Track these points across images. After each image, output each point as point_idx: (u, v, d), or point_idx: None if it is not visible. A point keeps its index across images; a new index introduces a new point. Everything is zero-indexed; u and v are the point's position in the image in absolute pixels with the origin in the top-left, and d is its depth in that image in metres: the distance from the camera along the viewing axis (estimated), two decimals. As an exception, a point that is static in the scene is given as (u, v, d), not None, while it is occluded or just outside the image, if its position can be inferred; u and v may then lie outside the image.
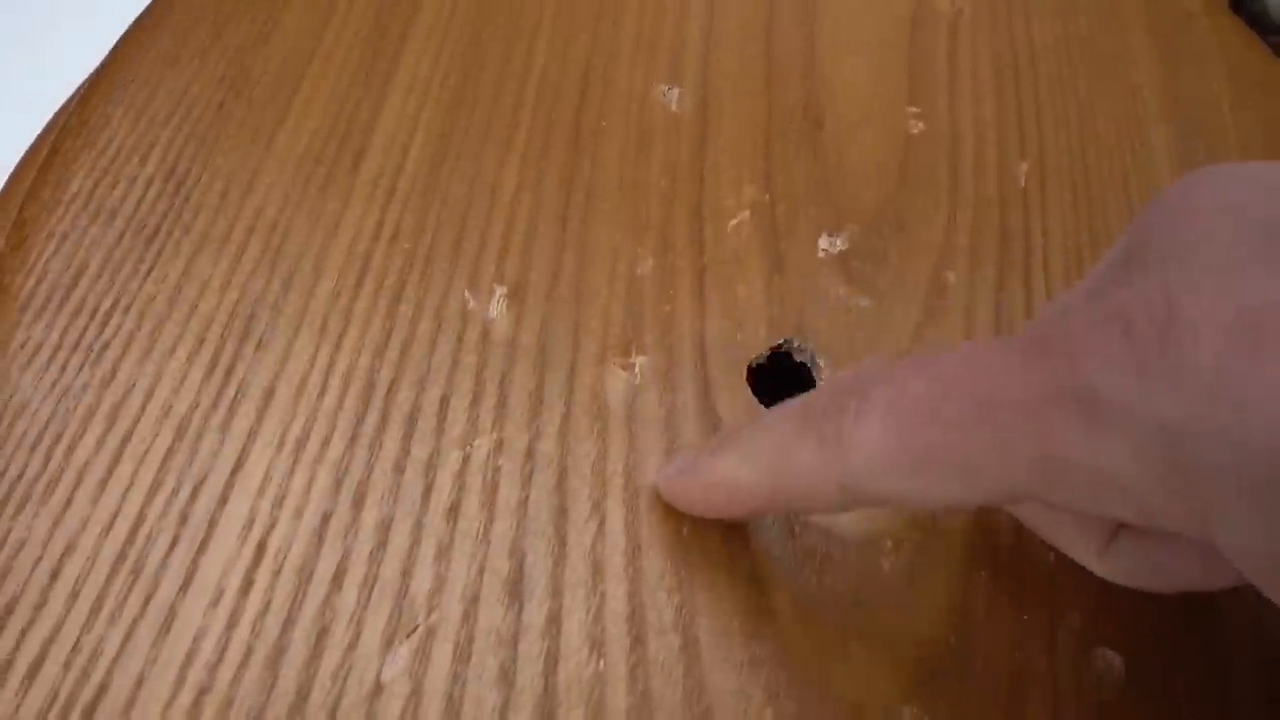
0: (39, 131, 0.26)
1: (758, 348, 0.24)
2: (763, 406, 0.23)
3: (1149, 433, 0.12)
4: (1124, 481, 0.13)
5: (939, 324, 0.25)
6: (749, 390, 0.23)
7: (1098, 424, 0.13)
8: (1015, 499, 0.15)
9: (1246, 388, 0.11)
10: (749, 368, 0.23)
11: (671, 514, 0.21)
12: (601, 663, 0.19)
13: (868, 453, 0.15)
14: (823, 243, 0.25)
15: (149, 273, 0.23)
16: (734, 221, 0.25)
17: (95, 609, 0.19)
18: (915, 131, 0.28)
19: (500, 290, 0.23)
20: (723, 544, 0.21)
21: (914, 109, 0.28)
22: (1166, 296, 0.12)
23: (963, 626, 0.21)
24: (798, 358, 0.24)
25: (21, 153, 0.26)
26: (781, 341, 0.24)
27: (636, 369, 0.23)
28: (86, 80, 0.26)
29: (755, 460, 0.18)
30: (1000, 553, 0.21)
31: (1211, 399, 0.11)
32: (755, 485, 0.18)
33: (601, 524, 0.21)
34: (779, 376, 0.24)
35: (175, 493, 0.20)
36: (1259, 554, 0.12)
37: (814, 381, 0.24)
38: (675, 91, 0.27)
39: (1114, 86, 0.30)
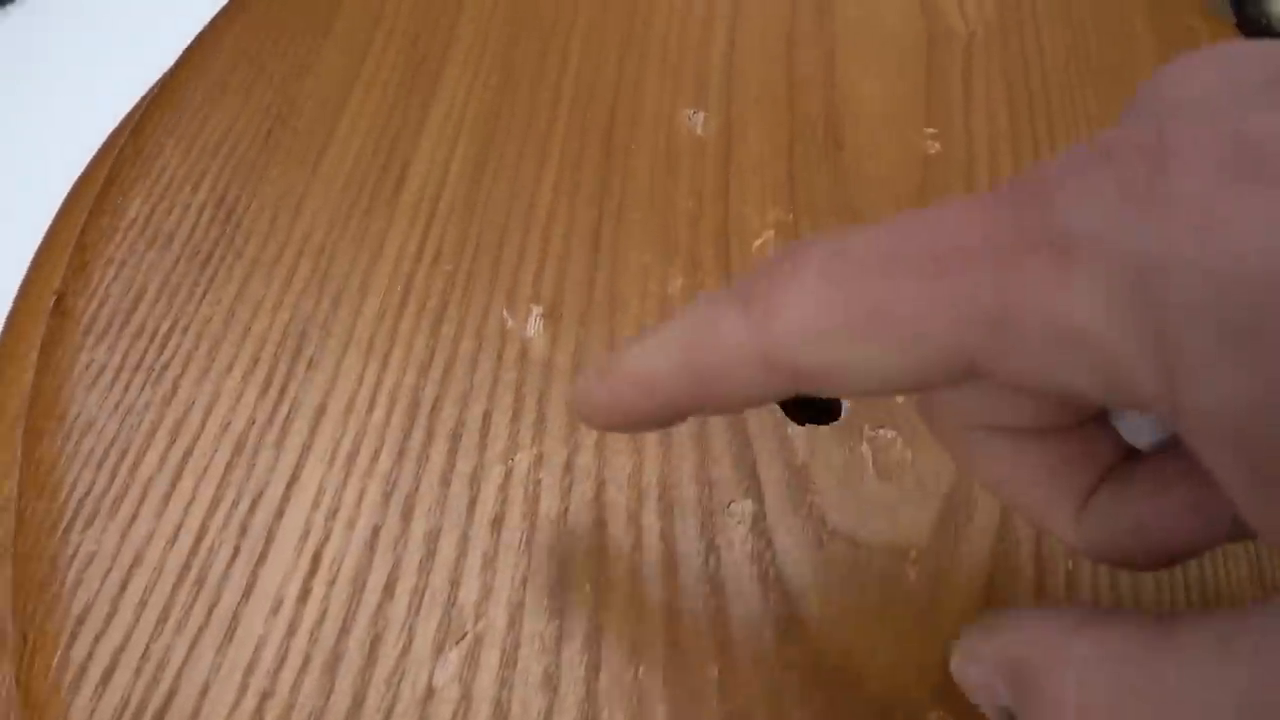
0: (88, 160, 0.27)
1: (784, 363, 0.25)
2: (791, 422, 0.24)
3: (1124, 269, 0.11)
4: (1089, 334, 0.11)
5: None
6: (778, 406, 0.24)
7: (1067, 264, 0.11)
8: (962, 371, 0.13)
9: (1240, 213, 0.10)
10: (776, 383, 0.24)
11: (706, 526, 0.22)
12: (640, 669, 0.20)
13: (799, 314, 0.13)
14: (845, 261, 0.26)
15: (204, 295, 0.24)
16: (759, 241, 0.26)
17: (162, 618, 0.20)
18: (932, 152, 0.29)
19: (537, 310, 0.24)
20: (753, 551, 0.22)
21: (931, 129, 0.29)
22: (1158, 129, 0.11)
23: (985, 631, 0.21)
24: (822, 372, 0.25)
25: (72, 181, 0.27)
26: (807, 357, 0.25)
27: (669, 385, 0.24)
28: (136, 109, 0.27)
29: (669, 342, 0.15)
30: (1021, 560, 0.22)
31: (1197, 227, 0.10)
32: (668, 370, 0.15)
33: (638, 535, 0.22)
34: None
35: (235, 506, 0.21)
36: (1229, 416, 0.10)
37: (838, 400, 0.24)
38: (700, 115, 0.28)
39: (1121, 96, 0.31)
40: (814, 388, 0.13)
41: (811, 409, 0.24)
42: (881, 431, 0.24)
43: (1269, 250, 0.10)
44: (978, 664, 0.15)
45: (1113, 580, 0.22)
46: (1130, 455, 0.16)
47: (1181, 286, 0.10)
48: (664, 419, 0.16)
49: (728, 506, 0.22)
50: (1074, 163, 0.12)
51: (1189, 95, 0.12)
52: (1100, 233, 0.11)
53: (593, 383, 0.16)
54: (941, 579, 0.22)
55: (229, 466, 0.22)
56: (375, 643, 0.20)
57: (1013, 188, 0.12)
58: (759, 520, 0.22)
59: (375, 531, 0.21)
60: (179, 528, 0.21)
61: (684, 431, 0.23)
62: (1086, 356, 0.11)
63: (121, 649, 0.19)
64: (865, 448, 0.24)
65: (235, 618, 0.20)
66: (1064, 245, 0.11)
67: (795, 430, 0.24)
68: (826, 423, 0.24)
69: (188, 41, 0.28)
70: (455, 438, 0.22)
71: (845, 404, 0.24)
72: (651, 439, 0.23)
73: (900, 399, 0.24)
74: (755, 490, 0.23)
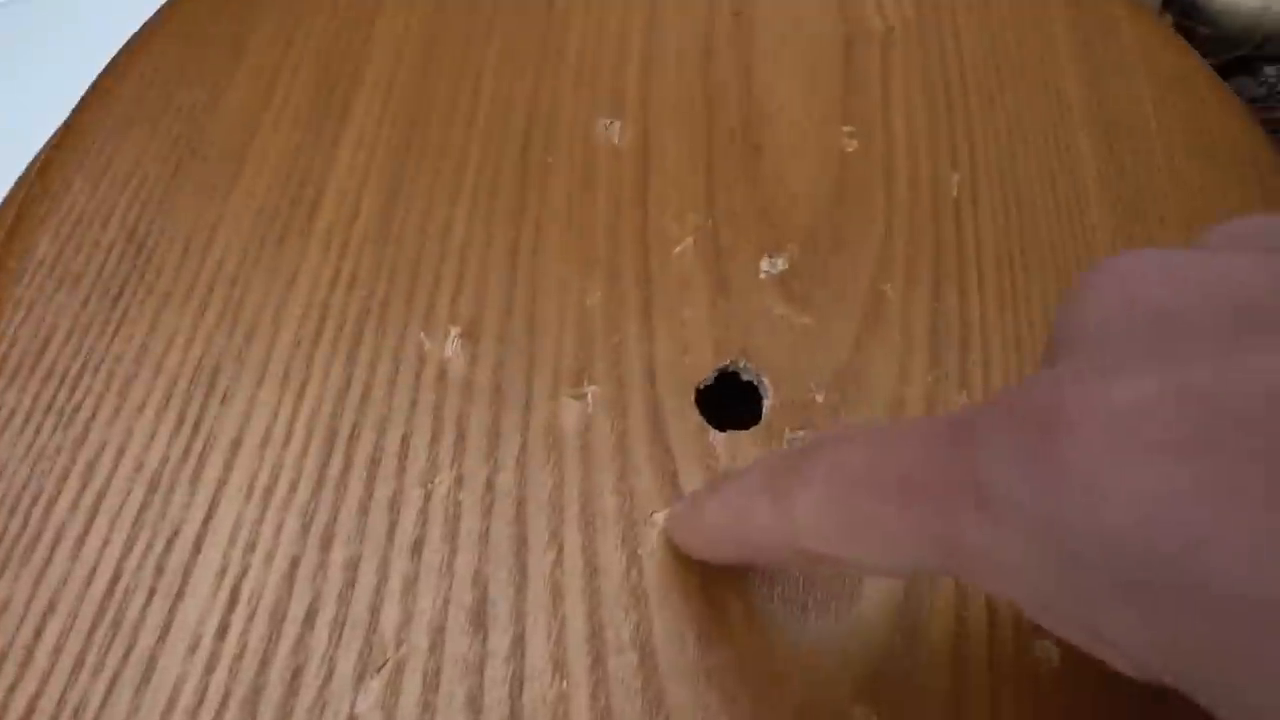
0: (1, 200, 0.27)
1: (705, 370, 0.25)
2: (711, 428, 0.24)
3: (1035, 527, 0.12)
4: (1021, 573, 0.13)
5: (877, 337, 0.26)
6: (698, 413, 0.24)
7: (990, 515, 0.13)
8: (935, 571, 0.15)
9: (1112, 486, 0.11)
10: (697, 390, 0.24)
11: (628, 538, 0.22)
12: (565, 683, 0.20)
13: (809, 517, 0.16)
14: (764, 264, 0.27)
15: (115, 333, 0.23)
16: (678, 249, 0.26)
17: (78, 664, 0.20)
18: (850, 150, 0.29)
19: (455, 330, 0.24)
20: (676, 561, 0.22)
21: (848, 128, 0.30)
22: (1054, 390, 0.12)
23: (908, 626, 0.22)
24: (745, 378, 0.25)
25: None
26: (728, 363, 0.25)
27: (589, 398, 0.24)
28: (45, 147, 0.27)
29: (726, 511, 0.19)
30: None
31: (1084, 495, 0.12)
32: (725, 538, 0.19)
33: (560, 550, 0.22)
34: (728, 397, 0.25)
35: (150, 546, 0.21)
36: (1140, 650, 0.12)
37: (761, 401, 0.25)
38: (617, 124, 0.28)
39: (1041, 94, 0.31)
40: (828, 568, 0.17)
41: (732, 413, 0.24)
42: (802, 434, 0.24)
43: (1141, 521, 0.11)
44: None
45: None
46: None
47: (1081, 548, 0.12)
48: (726, 563, 0.21)
49: (650, 517, 0.22)
50: (993, 424, 0.13)
51: (1090, 330, 0.14)
52: (1011, 494, 0.12)
53: (680, 523, 0.22)
54: (864, 578, 0.22)
55: (143, 506, 0.21)
56: (296, 675, 0.20)
57: (951, 429, 0.14)
58: (681, 529, 0.22)
59: (294, 563, 0.21)
60: (94, 571, 0.21)
61: (604, 444, 0.23)
62: (1023, 588, 0.13)
63: (38, 696, 0.19)
64: (786, 449, 0.24)
65: (153, 659, 0.20)
66: (986, 496, 0.13)
67: (716, 436, 0.24)
68: (748, 427, 0.24)
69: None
70: (374, 464, 0.22)
71: (765, 405, 0.24)
72: (572, 453, 0.23)
73: (819, 398, 0.25)
74: (677, 498, 0.23)
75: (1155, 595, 0.11)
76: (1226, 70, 0.45)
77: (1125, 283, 0.14)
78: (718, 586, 0.22)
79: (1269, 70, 0.45)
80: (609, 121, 0.29)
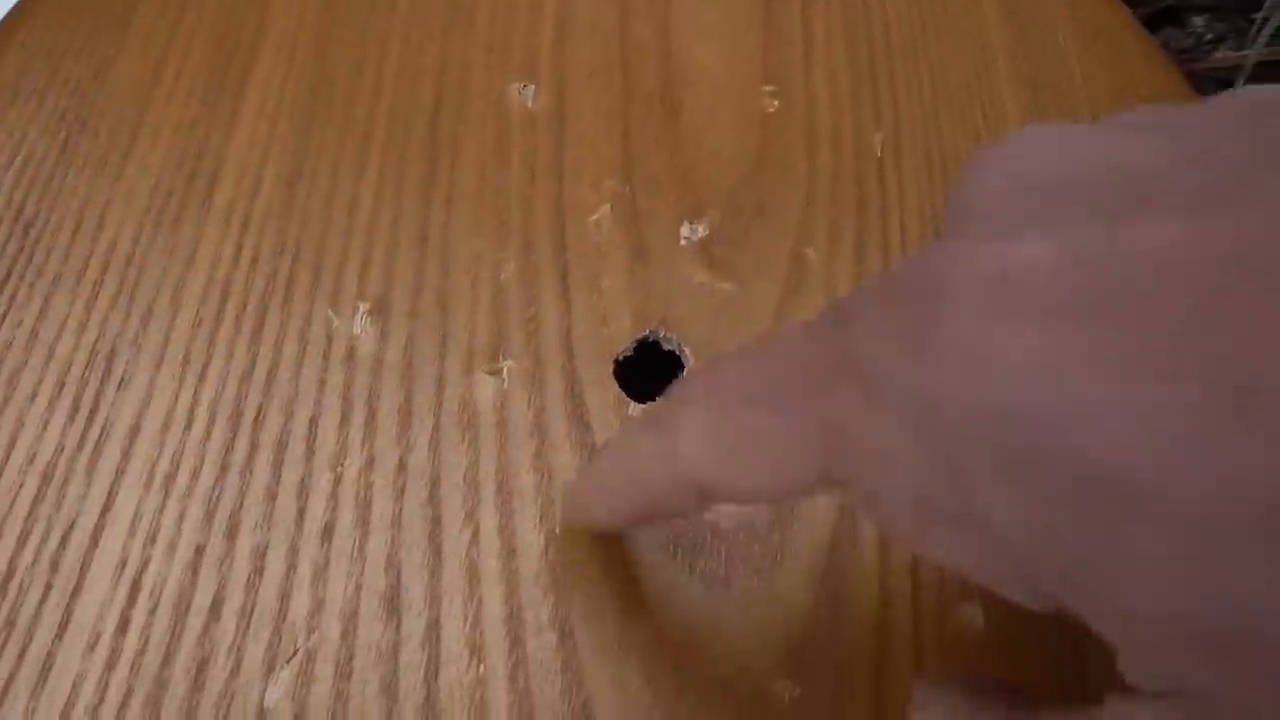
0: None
1: (624, 341, 0.24)
2: (632, 400, 0.23)
3: (912, 405, 0.12)
4: (898, 458, 0.12)
5: (800, 301, 0.25)
6: (616, 384, 0.24)
7: (869, 395, 0.12)
8: (822, 483, 0.14)
9: (993, 355, 0.11)
10: (616, 361, 0.24)
11: (546, 516, 0.22)
12: (481, 666, 0.20)
13: (692, 444, 0.15)
14: (684, 230, 0.26)
15: (3, 319, 0.22)
16: (594, 216, 0.26)
17: (-30, 665, 0.19)
18: (771, 110, 0.28)
19: (363, 307, 0.24)
20: (596, 538, 0.22)
21: (769, 87, 0.29)
22: (935, 260, 0.12)
23: (830, 596, 0.22)
24: (666, 347, 0.25)
25: None
26: (647, 333, 0.24)
27: (504, 374, 0.23)
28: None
29: (613, 463, 0.18)
30: (860, 521, 0.22)
31: (964, 368, 0.11)
32: (617, 493, 0.18)
33: (476, 531, 0.21)
34: (649, 367, 0.25)
35: (45, 540, 0.20)
36: (1019, 544, 0.11)
37: (683, 369, 0.24)
38: (531, 89, 0.28)
39: (965, 47, 0.31)
40: (718, 500, 0.15)
41: (650, 385, 0.24)
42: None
43: (1023, 391, 0.10)
44: None
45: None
46: None
47: (960, 424, 0.11)
48: (621, 525, 0.20)
49: (567, 493, 0.22)
50: (869, 299, 0.13)
51: (982, 204, 0.13)
52: (889, 371, 0.12)
53: (571, 492, 0.21)
54: (787, 548, 0.22)
55: (37, 499, 0.21)
56: (202, 668, 0.19)
57: (822, 319, 0.13)
58: (600, 504, 0.22)
59: (198, 552, 0.20)
60: (-16, 569, 0.20)
61: (521, 420, 0.23)
62: (901, 478, 0.12)
63: (-73, 702, 0.19)
64: (708, 420, 0.23)
65: (50, 657, 0.19)
66: (863, 375, 0.12)
67: (636, 409, 0.23)
68: (668, 398, 0.24)
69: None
70: (280, 447, 0.22)
71: (688, 367, 0.24)
72: (488, 431, 0.22)
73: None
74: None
75: (1036, 471, 0.11)
76: (1154, 21, 0.45)
77: (1019, 156, 0.13)
78: (639, 563, 0.21)
79: (1196, 21, 0.45)
80: (522, 86, 0.28)
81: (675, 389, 0.16)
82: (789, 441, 0.14)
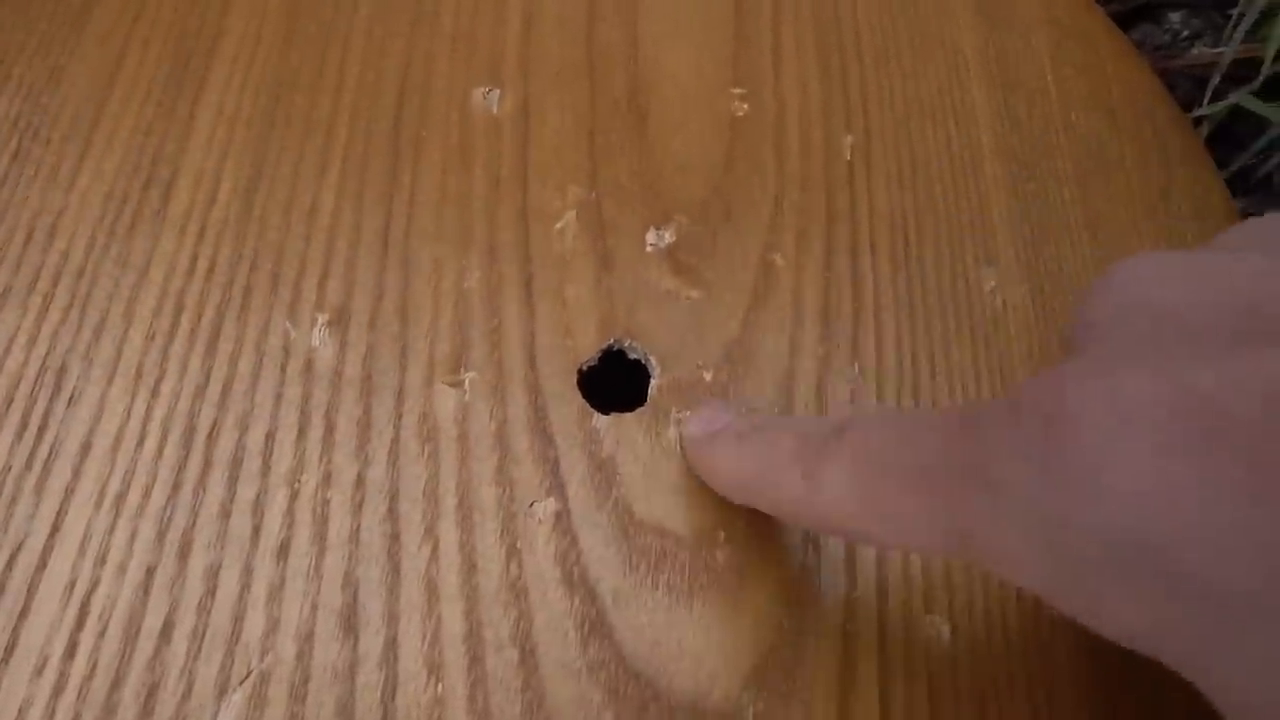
0: None
1: (588, 351, 0.24)
2: (595, 412, 0.23)
3: (1036, 520, 0.13)
4: (1024, 566, 0.13)
5: (767, 310, 0.25)
6: (580, 396, 0.23)
7: (997, 506, 0.13)
8: (956, 559, 0.17)
9: (1109, 481, 0.12)
10: (580, 372, 0.24)
11: (507, 531, 0.21)
12: (440, 685, 0.20)
13: (834, 495, 0.17)
14: (650, 237, 0.26)
15: (-50, 334, 0.22)
16: (559, 224, 0.25)
17: (-88, 692, 0.18)
18: (740, 114, 0.28)
19: (322, 318, 0.23)
20: (557, 552, 0.21)
21: (738, 90, 0.29)
22: (1059, 387, 0.13)
23: (795, 608, 0.21)
24: (632, 356, 0.24)
25: None
26: (612, 342, 0.24)
27: (465, 386, 0.23)
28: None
29: (751, 467, 0.20)
30: (829, 537, 0.22)
31: (1083, 490, 0.12)
32: (748, 492, 0.20)
33: (435, 546, 0.21)
34: (614, 377, 0.24)
35: (-9, 562, 0.20)
36: (1135, 633, 0.13)
37: (649, 379, 0.24)
38: (495, 93, 0.27)
39: (936, 50, 0.31)
40: (849, 540, 0.19)
41: (615, 396, 0.24)
42: (689, 413, 0.23)
43: (1136, 515, 0.12)
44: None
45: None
46: None
47: (1080, 542, 0.12)
48: (740, 502, 0.21)
49: (529, 508, 0.22)
50: (998, 414, 0.14)
51: (1099, 331, 0.14)
52: (1015, 487, 0.13)
53: (705, 452, 0.21)
54: (750, 561, 0.22)
55: (-17, 519, 0.20)
56: (152, 692, 0.19)
57: (962, 423, 0.15)
58: (562, 519, 0.22)
59: (149, 573, 0.20)
60: (-72, 592, 0.19)
61: (483, 433, 0.22)
62: (1029, 575, 0.14)
63: None
64: (673, 431, 0.23)
65: (-5, 683, 0.19)
66: (993, 488, 0.13)
67: (600, 421, 0.23)
68: (633, 409, 0.23)
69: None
70: (235, 463, 0.21)
71: (652, 385, 0.24)
72: (448, 444, 0.22)
73: (708, 376, 0.24)
74: (558, 488, 0.22)
75: (1147, 584, 0.12)
76: (1131, 17, 0.44)
77: (1137, 283, 0.14)
78: (601, 578, 0.21)
79: (1173, 17, 0.45)
80: (487, 90, 0.27)
81: (827, 437, 0.18)
82: (923, 521, 0.15)
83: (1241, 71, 0.39)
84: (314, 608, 0.20)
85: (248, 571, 0.20)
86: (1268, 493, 0.11)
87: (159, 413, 0.22)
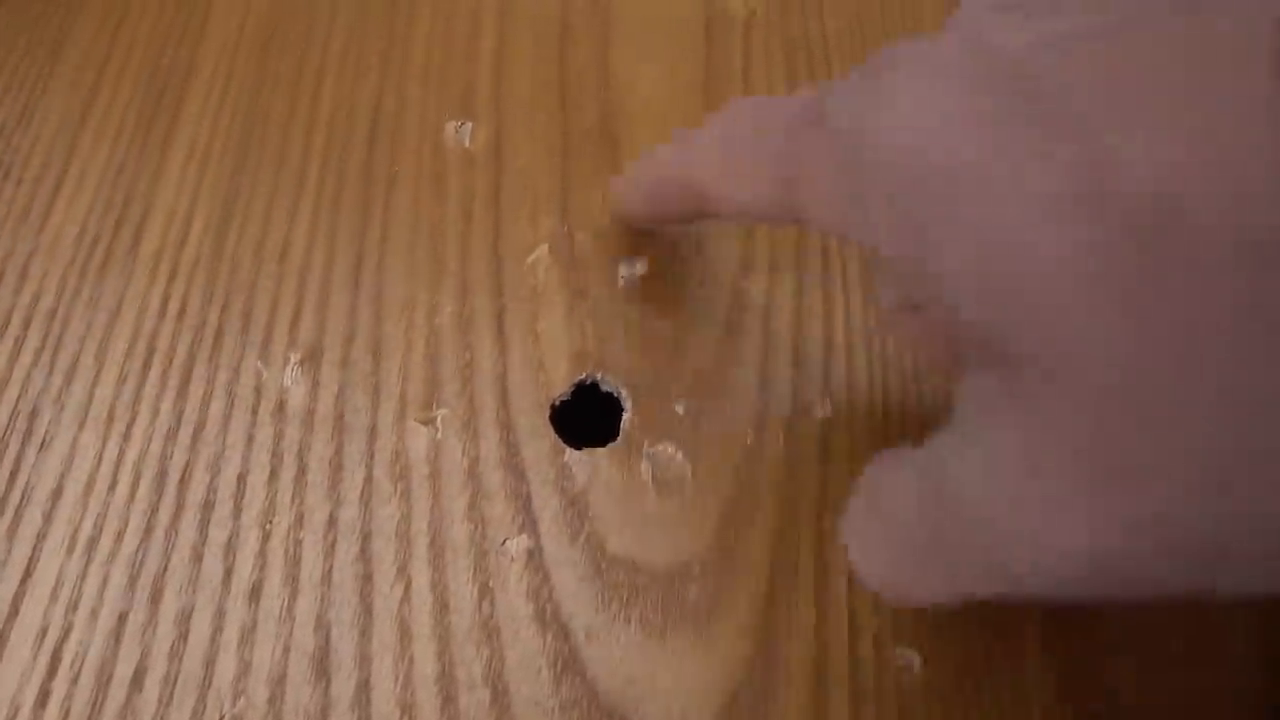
0: None
1: (561, 385, 0.24)
2: (568, 447, 0.23)
3: (845, 142, 0.15)
4: (834, 196, 0.16)
5: (739, 338, 0.25)
6: (553, 431, 0.23)
7: (819, 138, 0.16)
8: (789, 211, 0.18)
9: (910, 106, 0.14)
10: (552, 406, 0.24)
11: (479, 569, 0.21)
12: (412, 727, 0.20)
13: (702, 154, 0.20)
14: (622, 269, 0.26)
15: (-78, 379, 0.22)
16: (532, 257, 0.26)
17: (-116, 744, 0.19)
18: (712, 143, 0.28)
19: (294, 358, 0.23)
20: (529, 589, 0.21)
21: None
22: (893, 47, 0.15)
23: (766, 643, 0.21)
24: (604, 389, 0.24)
25: None
26: (584, 376, 0.24)
27: (438, 423, 0.23)
28: None
29: (645, 163, 0.23)
30: (801, 565, 0.22)
31: (886, 112, 0.14)
32: (642, 185, 0.23)
33: (407, 586, 0.21)
34: (587, 410, 0.24)
35: (-38, 611, 0.20)
36: (886, 232, 0.15)
37: (622, 413, 0.24)
38: (468, 126, 0.27)
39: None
40: (712, 209, 0.20)
41: (590, 427, 0.24)
42: (660, 447, 0.23)
43: (927, 136, 0.14)
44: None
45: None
46: None
47: (868, 149, 0.15)
48: (652, 221, 0.25)
49: (501, 545, 0.22)
50: (850, 72, 0.16)
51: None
52: (837, 112, 0.16)
53: (613, 189, 0.25)
54: (722, 595, 0.22)
55: (-46, 567, 0.20)
56: (124, 739, 0.19)
57: (821, 87, 0.17)
58: (534, 556, 0.22)
59: (121, 619, 0.20)
60: (-101, 642, 0.19)
61: (455, 470, 0.22)
62: (833, 209, 0.16)
63: None
64: (645, 464, 0.23)
65: (-33, 733, 0.19)
66: (820, 120, 0.16)
67: (572, 455, 0.23)
68: (605, 444, 0.24)
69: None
70: (207, 506, 0.21)
71: (624, 419, 0.24)
72: (420, 482, 0.22)
73: (680, 409, 0.24)
74: (530, 524, 0.22)
75: (918, 202, 0.14)
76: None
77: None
78: (573, 615, 0.21)
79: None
80: (460, 123, 0.27)
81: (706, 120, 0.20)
82: (760, 171, 0.18)
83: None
84: (286, 650, 0.20)
85: (220, 615, 0.20)
86: (1049, 146, 0.12)
87: (131, 456, 0.22)
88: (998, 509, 0.13)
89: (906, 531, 0.16)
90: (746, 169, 0.19)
